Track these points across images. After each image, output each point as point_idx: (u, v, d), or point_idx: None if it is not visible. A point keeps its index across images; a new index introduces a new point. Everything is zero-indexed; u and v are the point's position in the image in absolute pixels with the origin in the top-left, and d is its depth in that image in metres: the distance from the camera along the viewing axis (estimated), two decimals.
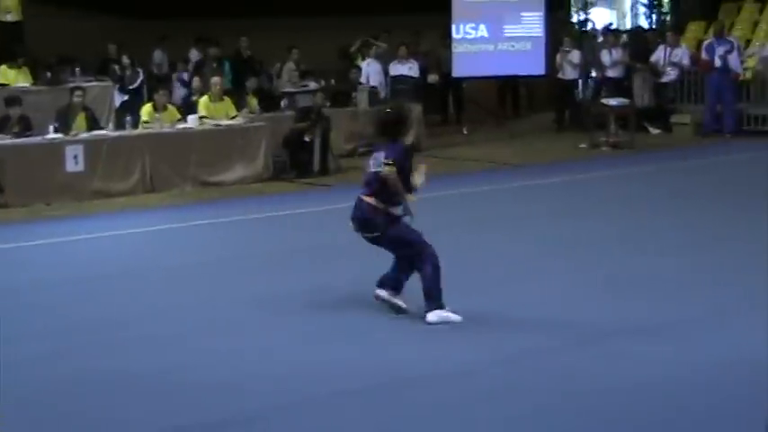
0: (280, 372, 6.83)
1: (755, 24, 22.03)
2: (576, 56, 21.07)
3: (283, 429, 5.96)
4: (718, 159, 16.70)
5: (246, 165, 15.32)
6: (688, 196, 13.38)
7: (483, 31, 19.61)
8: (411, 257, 7.84)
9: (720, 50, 19.21)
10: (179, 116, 15.48)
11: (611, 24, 24.78)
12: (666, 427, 5.80)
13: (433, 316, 7.65)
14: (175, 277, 9.65)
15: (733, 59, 19.21)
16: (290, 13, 22.27)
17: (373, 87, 18.96)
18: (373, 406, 6.21)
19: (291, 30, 21.40)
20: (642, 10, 26.83)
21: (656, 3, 26.03)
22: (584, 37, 23.02)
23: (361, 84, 18.94)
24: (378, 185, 7.79)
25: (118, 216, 12.95)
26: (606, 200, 13.40)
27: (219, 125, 15.47)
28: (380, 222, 7.79)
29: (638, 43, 21.91)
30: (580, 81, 22.11)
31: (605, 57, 20.58)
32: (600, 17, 25.82)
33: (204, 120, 15.48)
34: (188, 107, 16.15)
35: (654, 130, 19.99)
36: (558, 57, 21.03)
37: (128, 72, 18.90)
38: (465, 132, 20.43)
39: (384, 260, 8.10)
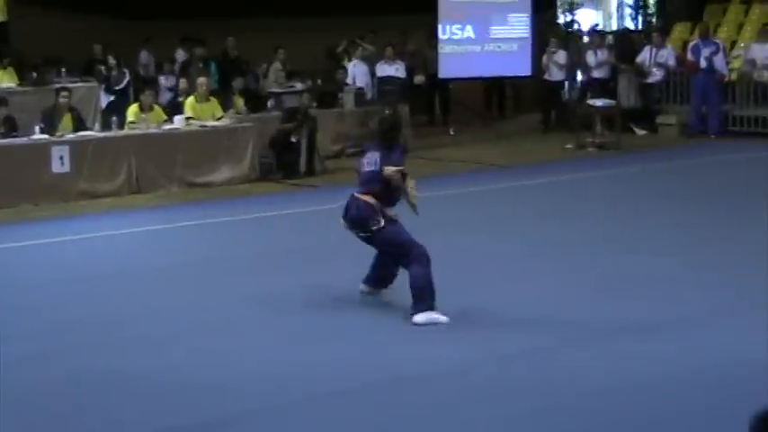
0: (273, 371, 6.83)
1: (741, 26, 22.12)
2: (562, 57, 21.11)
3: (278, 429, 5.96)
4: (704, 160, 16.75)
5: (233, 165, 15.31)
6: (675, 197, 13.42)
7: (469, 31, 19.62)
8: (401, 257, 7.86)
9: (706, 52, 19.27)
10: (165, 117, 15.45)
11: (597, 25, 24.83)
12: (665, 427, 5.82)
13: (420, 317, 7.66)
14: (163, 278, 9.64)
15: (718, 61, 19.27)
16: (277, 14, 22.26)
17: (360, 88, 18.95)
18: (369, 406, 6.22)
19: (278, 30, 21.40)
20: (628, 11, 26.87)
21: (641, 4, 26.08)
22: (570, 38, 23.06)
23: (347, 84, 18.93)
24: (378, 185, 7.86)
25: (104, 217, 12.93)
26: (593, 200, 13.44)
27: (206, 126, 15.45)
28: (376, 221, 7.82)
29: (624, 44, 21.96)
30: (566, 82, 22.14)
31: (591, 58, 20.64)
32: (586, 18, 25.86)
33: (190, 120, 15.45)
34: (174, 108, 16.12)
35: (639, 131, 20.05)
36: (545, 58, 21.07)
37: (114, 73, 18.86)
38: (451, 133, 20.44)
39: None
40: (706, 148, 18.00)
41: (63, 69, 17.77)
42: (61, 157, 13.94)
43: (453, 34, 19.52)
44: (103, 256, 10.81)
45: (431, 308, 7.69)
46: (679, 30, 22.54)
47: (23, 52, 18.33)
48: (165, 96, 18.43)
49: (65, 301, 8.83)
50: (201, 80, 16.18)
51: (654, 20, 25.30)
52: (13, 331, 7.85)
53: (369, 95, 19.19)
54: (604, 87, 20.21)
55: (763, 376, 6.26)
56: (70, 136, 14.38)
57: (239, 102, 17.04)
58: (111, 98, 18.29)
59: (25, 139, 14.16)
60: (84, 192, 14.03)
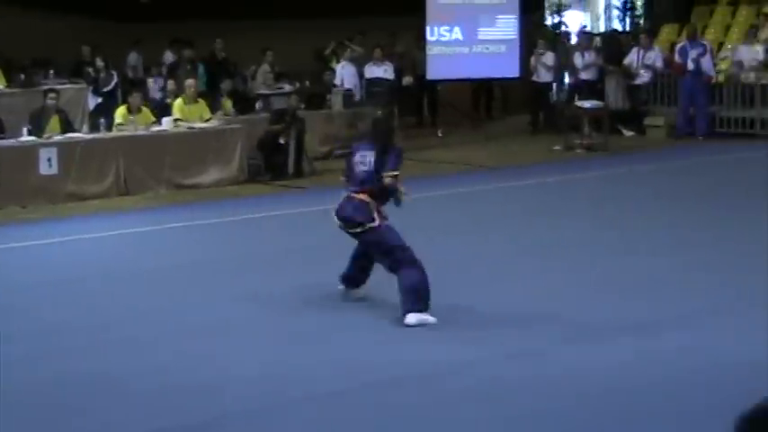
0: (264, 373, 6.83)
1: (728, 28, 22.17)
2: (550, 58, 21.14)
3: (271, 430, 5.95)
4: (692, 161, 16.78)
5: (221, 167, 15.30)
6: (663, 198, 13.44)
7: (457, 33, 19.64)
8: (386, 258, 7.88)
9: (693, 53, 19.32)
10: (153, 118, 15.43)
11: (585, 27, 24.87)
12: (664, 427, 5.83)
13: (412, 318, 7.66)
14: (151, 280, 9.63)
15: (706, 62, 19.33)
16: (265, 15, 22.23)
17: (348, 90, 18.96)
18: (365, 406, 6.22)
19: (266, 32, 21.39)
20: (616, 13, 26.91)
21: (629, 6, 26.12)
22: (558, 39, 23.10)
23: (335, 86, 18.93)
24: (373, 186, 7.93)
25: (92, 219, 12.90)
26: (581, 201, 13.46)
27: (194, 127, 15.44)
28: (372, 218, 7.87)
29: (612, 46, 22.01)
30: (554, 83, 22.17)
31: (578, 59, 20.67)
32: (574, 20, 25.89)
33: (179, 122, 15.44)
34: (162, 109, 16.10)
35: (627, 133, 20.09)
36: (533, 59, 21.10)
37: (102, 74, 18.83)
38: (440, 135, 20.45)
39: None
40: (693, 150, 18.04)
41: (51, 71, 17.74)
42: (49, 159, 13.91)
43: (441, 36, 19.54)
44: (91, 258, 10.80)
45: (423, 309, 7.70)
46: (666, 31, 22.59)
47: (11, 54, 18.26)
48: (157, 96, 18.41)
49: (52, 303, 8.81)
50: (190, 82, 16.16)
51: (641, 21, 25.34)
52: (0, 333, 7.82)
53: (357, 97, 19.20)
54: (592, 89, 20.25)
55: (763, 376, 6.26)
56: (58, 138, 14.35)
57: (227, 103, 17.02)
58: (99, 100, 18.25)
59: (13, 140, 14.14)
60: (72, 194, 14.00)
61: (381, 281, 8.14)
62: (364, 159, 8.05)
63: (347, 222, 8.00)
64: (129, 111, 15.24)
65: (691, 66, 19.25)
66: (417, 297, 7.70)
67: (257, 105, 17.90)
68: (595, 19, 28.42)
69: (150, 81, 19.14)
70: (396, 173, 7.98)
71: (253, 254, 10.69)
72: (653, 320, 7.77)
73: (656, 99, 20.49)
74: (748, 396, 2.76)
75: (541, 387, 6.42)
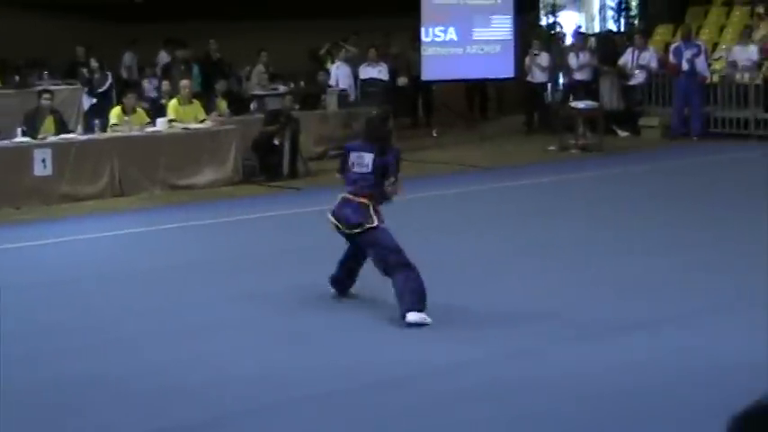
0: (258, 373, 6.81)
1: (722, 28, 22.21)
2: (544, 59, 21.16)
3: (269, 431, 5.95)
4: (686, 162, 16.80)
5: (216, 168, 15.29)
6: (658, 198, 13.46)
7: (452, 33, 19.64)
8: (381, 260, 7.88)
9: (688, 54, 19.34)
10: (148, 119, 15.43)
11: (580, 27, 24.89)
12: (663, 428, 5.83)
13: (412, 316, 7.65)
14: (146, 281, 9.62)
15: (700, 63, 19.35)
16: (260, 16, 22.21)
17: (342, 90, 18.96)
18: (357, 407, 6.20)
19: (261, 32, 21.37)
20: (610, 13, 26.93)
21: (624, 6, 26.15)
22: (552, 40, 23.12)
23: (330, 86, 18.93)
24: (372, 189, 7.95)
25: (87, 220, 12.89)
26: (576, 202, 13.46)
27: (188, 128, 15.43)
28: (371, 219, 7.88)
29: (607, 46, 22.04)
30: (549, 84, 22.19)
31: (572, 60, 20.69)
32: (569, 20, 25.92)
33: (173, 123, 15.43)
34: (157, 110, 16.10)
35: (622, 133, 20.11)
36: (528, 60, 21.12)
37: (96, 75, 18.82)
38: (435, 135, 20.44)
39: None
40: (688, 150, 18.06)
41: (45, 72, 17.72)
42: (43, 160, 13.90)
43: (436, 36, 19.53)
44: (86, 259, 10.78)
45: (422, 309, 7.70)
46: (661, 32, 22.62)
47: (5, 55, 18.24)
48: (152, 95, 18.39)
49: (47, 305, 8.80)
50: (184, 83, 16.17)
51: (636, 22, 25.37)
52: None
53: (351, 97, 19.20)
54: (587, 89, 20.27)
55: (762, 376, 6.25)
56: (52, 139, 14.34)
57: (222, 104, 17.02)
58: (94, 101, 18.22)
59: (7, 141, 14.11)
60: (67, 195, 13.99)
61: (376, 281, 8.13)
62: (362, 161, 8.02)
63: (346, 224, 7.99)
64: (124, 111, 15.24)
65: (685, 66, 19.27)
66: (416, 297, 7.70)
67: (252, 106, 17.91)
68: (590, 19, 28.44)
69: (145, 82, 19.12)
70: (395, 179, 8.01)
71: (248, 254, 10.69)
72: (651, 320, 7.77)
73: (651, 99, 20.52)
74: (747, 396, 2.76)
75: (540, 387, 6.41)
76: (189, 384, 6.64)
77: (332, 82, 19.30)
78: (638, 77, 20.35)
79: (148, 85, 18.94)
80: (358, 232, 7.95)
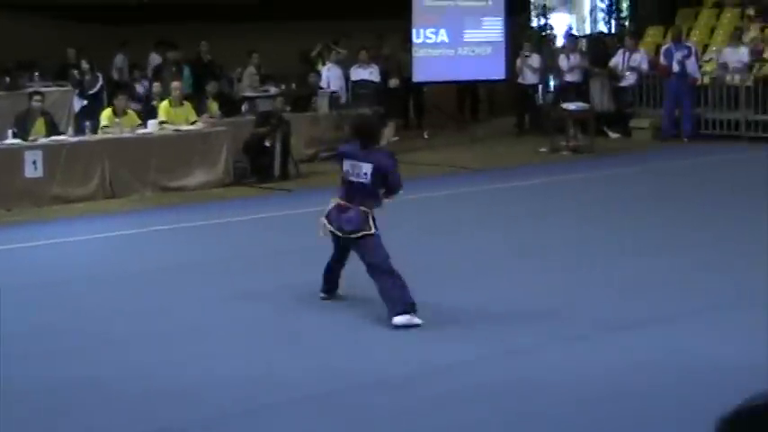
0: (248, 375, 6.81)
1: (712, 30, 22.24)
2: (535, 60, 21.17)
3: None
4: (677, 163, 16.82)
5: (207, 170, 15.28)
6: (650, 199, 13.47)
7: (443, 35, 19.66)
8: (371, 263, 7.89)
9: (678, 55, 19.37)
10: (139, 121, 15.41)
11: (571, 29, 24.91)
12: (663, 428, 5.83)
13: (398, 319, 7.67)
14: (137, 283, 9.60)
15: (691, 64, 19.38)
16: (251, 18, 22.18)
17: (334, 92, 18.96)
18: (346, 409, 6.21)
19: (252, 34, 21.34)
20: (601, 15, 26.95)
21: (614, 8, 26.18)
22: (543, 41, 23.14)
23: (321, 88, 18.93)
24: (371, 200, 7.98)
25: (77, 222, 12.88)
26: (568, 203, 13.47)
27: (180, 130, 15.42)
28: (369, 227, 7.90)
29: (598, 48, 22.07)
30: (540, 85, 22.21)
31: (563, 62, 20.70)
32: (560, 22, 25.94)
33: (164, 125, 15.42)
34: (148, 112, 16.08)
35: (613, 135, 20.13)
36: (519, 61, 21.12)
37: (87, 77, 18.79)
38: (425, 137, 20.45)
39: (350, 264, 8.15)
40: (679, 152, 18.08)
41: (36, 73, 17.69)
42: (34, 162, 13.87)
43: (427, 38, 19.55)
44: (77, 260, 10.77)
45: (409, 311, 7.70)
46: (651, 33, 22.65)
47: None
48: (141, 94, 18.37)
49: (37, 306, 8.79)
50: (175, 84, 16.16)
51: (627, 24, 25.40)
52: None
53: (343, 99, 19.20)
54: (578, 91, 20.29)
55: (762, 376, 6.25)
56: (43, 140, 14.32)
57: (213, 106, 17.01)
58: (85, 102, 18.20)
59: None
60: (58, 196, 13.97)
61: (369, 282, 8.13)
62: (358, 171, 7.98)
63: (343, 230, 7.98)
64: (115, 113, 15.22)
65: (676, 68, 19.30)
66: (401, 301, 7.71)
67: (243, 108, 17.90)
68: (581, 21, 28.46)
69: (138, 85, 19.09)
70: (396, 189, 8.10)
71: (239, 256, 10.68)
72: (649, 320, 7.79)
73: (642, 101, 20.55)
74: (747, 397, 2.75)
75: (535, 388, 6.42)
76: (180, 386, 6.63)
77: (323, 84, 19.29)
78: (629, 79, 20.38)
79: (139, 87, 18.91)
80: (355, 238, 7.95)
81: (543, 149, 18.41)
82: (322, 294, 8.53)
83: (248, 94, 18.71)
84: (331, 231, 8.09)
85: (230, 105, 17.71)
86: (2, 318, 8.36)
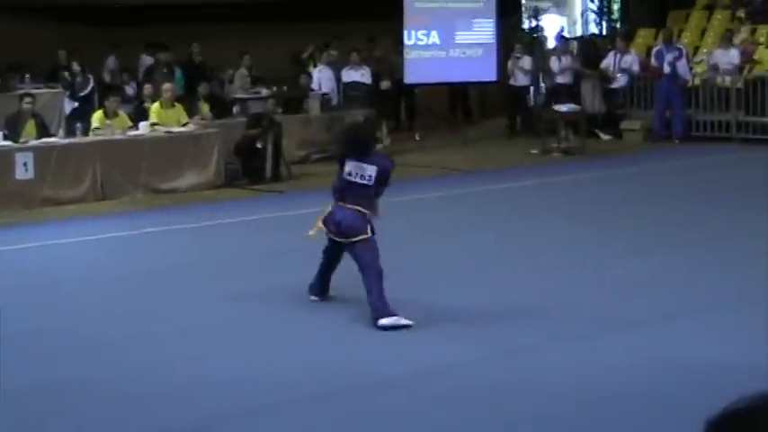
0: (243, 376, 6.81)
1: (703, 32, 22.27)
2: (527, 62, 21.18)
3: None
4: (668, 165, 16.84)
5: (198, 171, 15.26)
6: (641, 200, 13.48)
7: (435, 37, 19.67)
8: (365, 265, 7.88)
9: (669, 57, 19.40)
10: (130, 123, 15.38)
11: (563, 31, 24.95)
12: (661, 428, 5.83)
13: (385, 320, 7.67)
14: (129, 285, 9.59)
15: (681, 66, 19.41)
16: (242, 19, 22.20)
17: (325, 94, 18.95)
18: (345, 409, 6.21)
19: (243, 36, 21.35)
20: (592, 17, 27.00)
21: (605, 10, 26.22)
22: (535, 43, 23.16)
23: (312, 90, 18.92)
24: (371, 201, 8.02)
25: (68, 224, 12.84)
26: (559, 204, 13.47)
27: (171, 132, 15.40)
28: (368, 230, 7.91)
29: (589, 50, 22.10)
30: (531, 87, 22.23)
31: (554, 63, 20.72)
32: (551, 24, 25.98)
33: (156, 126, 15.40)
34: (139, 114, 16.06)
35: (604, 136, 20.14)
36: (510, 63, 21.12)
37: (78, 79, 18.77)
38: (417, 138, 20.46)
39: (341, 265, 8.16)
40: (670, 153, 18.10)
41: (27, 75, 17.67)
42: (25, 164, 13.84)
43: (419, 40, 19.56)
44: (68, 262, 10.75)
45: (394, 313, 7.69)
46: (643, 35, 22.68)
47: None
48: (130, 96, 18.35)
49: (28, 308, 8.76)
50: (167, 86, 16.13)
51: (618, 26, 25.43)
52: None
53: (334, 101, 19.19)
54: (569, 93, 20.31)
55: (762, 376, 6.25)
56: (34, 142, 14.28)
57: (204, 108, 16.99)
58: (76, 104, 18.18)
59: None
60: (49, 198, 13.93)
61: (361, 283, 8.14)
62: (362, 173, 8.02)
63: (343, 233, 7.98)
64: (106, 115, 15.18)
65: (667, 69, 19.33)
66: (382, 304, 7.70)
67: (234, 109, 17.88)
68: (572, 23, 28.51)
69: (128, 88, 19.08)
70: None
71: (230, 258, 10.67)
72: (647, 320, 7.79)
73: (633, 103, 20.56)
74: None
75: (533, 388, 6.43)
76: (172, 388, 6.62)
77: (314, 85, 19.28)
78: (620, 81, 20.39)
79: (129, 89, 18.89)
80: (353, 241, 7.95)
81: (534, 151, 18.41)
82: (313, 297, 8.52)
83: (240, 95, 18.69)
84: (329, 235, 8.10)
85: (222, 107, 17.70)
86: None
